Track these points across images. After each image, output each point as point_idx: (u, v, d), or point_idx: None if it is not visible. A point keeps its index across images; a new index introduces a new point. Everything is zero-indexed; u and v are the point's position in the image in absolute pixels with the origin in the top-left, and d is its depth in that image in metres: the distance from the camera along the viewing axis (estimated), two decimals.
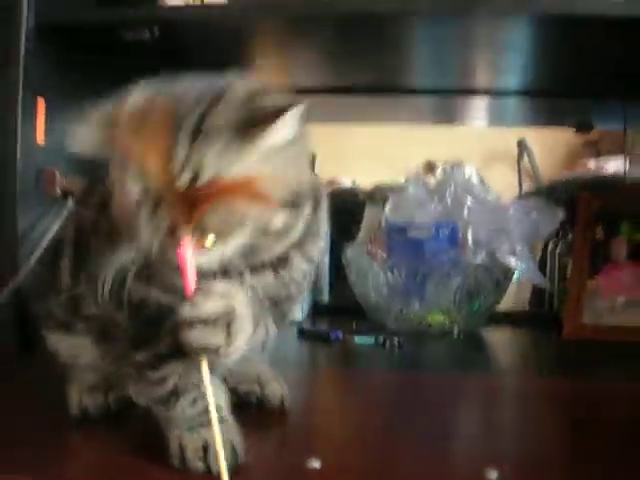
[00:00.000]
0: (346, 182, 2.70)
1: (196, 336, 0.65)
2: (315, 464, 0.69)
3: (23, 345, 1.15)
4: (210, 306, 0.65)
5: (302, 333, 1.41)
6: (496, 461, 0.69)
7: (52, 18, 1.19)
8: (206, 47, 1.41)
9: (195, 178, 0.59)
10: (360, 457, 0.75)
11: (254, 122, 0.62)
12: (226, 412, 0.73)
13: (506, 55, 1.41)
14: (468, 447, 0.82)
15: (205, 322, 0.65)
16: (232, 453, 0.68)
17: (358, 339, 1.35)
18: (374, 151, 2.53)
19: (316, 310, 1.65)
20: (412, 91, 1.74)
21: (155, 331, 0.71)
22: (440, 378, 1.11)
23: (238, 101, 0.64)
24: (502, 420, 0.93)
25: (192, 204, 0.59)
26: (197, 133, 0.60)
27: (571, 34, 1.20)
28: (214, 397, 0.67)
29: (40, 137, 1.21)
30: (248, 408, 0.87)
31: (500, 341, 1.53)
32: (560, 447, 0.81)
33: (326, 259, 1.76)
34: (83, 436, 0.81)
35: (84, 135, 0.65)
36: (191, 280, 0.63)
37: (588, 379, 1.08)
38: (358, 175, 2.48)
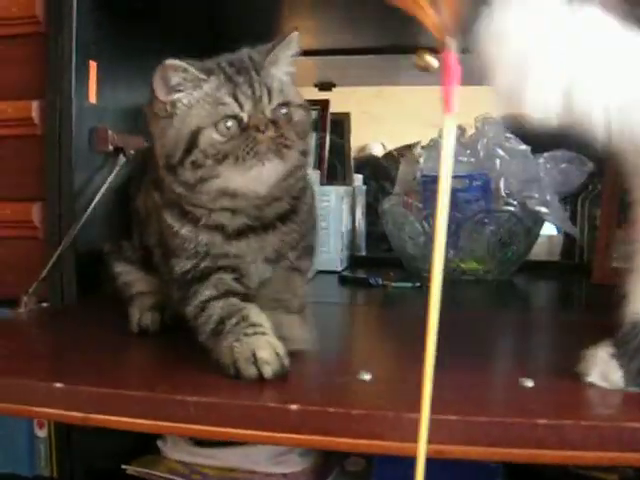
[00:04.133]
0: (376, 148, 2.73)
1: None
2: (366, 376, 0.76)
3: (83, 291, 1.23)
4: None
5: (343, 280, 1.49)
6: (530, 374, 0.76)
7: None
8: (244, 11, 1.47)
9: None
10: (404, 370, 0.82)
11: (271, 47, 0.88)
12: (267, 328, 0.82)
13: None
14: (503, 363, 0.89)
15: None
16: (278, 360, 0.77)
17: (396, 284, 1.42)
18: (406, 112, 2.57)
19: (354, 262, 1.72)
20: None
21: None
22: (474, 313, 1.18)
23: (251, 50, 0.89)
24: (532, 343, 1.00)
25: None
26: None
27: None
28: (257, 317, 0.81)
29: (92, 97, 1.27)
30: None
31: (532, 287, 1.59)
32: None
33: (362, 215, 1.83)
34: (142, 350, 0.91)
35: None
36: None
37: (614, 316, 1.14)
38: (389, 136, 2.53)
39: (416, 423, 0.62)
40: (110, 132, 1.28)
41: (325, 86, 2.04)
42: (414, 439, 0.62)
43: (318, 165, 1.78)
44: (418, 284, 1.40)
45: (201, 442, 1.22)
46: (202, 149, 0.83)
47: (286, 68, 0.90)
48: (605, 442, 0.64)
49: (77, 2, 1.22)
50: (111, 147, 1.28)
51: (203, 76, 0.85)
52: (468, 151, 1.54)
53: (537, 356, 0.95)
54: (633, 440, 0.63)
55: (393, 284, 1.42)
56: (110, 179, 1.26)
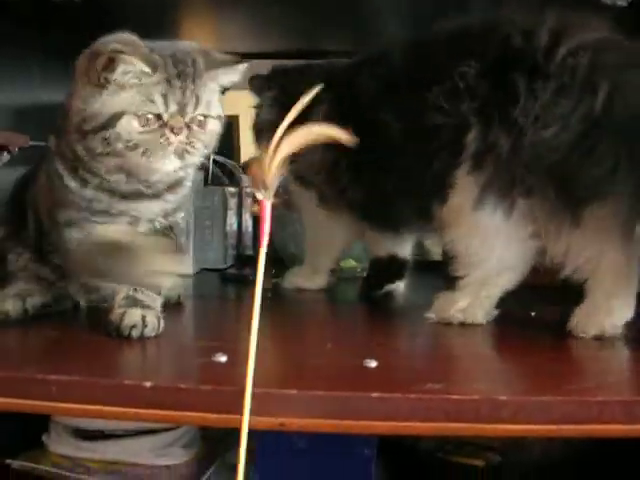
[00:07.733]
0: None
1: None
2: (222, 358, 0.81)
3: None
4: None
5: (223, 277, 1.54)
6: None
7: None
8: (134, 10, 1.49)
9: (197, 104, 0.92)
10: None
11: (218, 64, 0.96)
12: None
13: None
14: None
15: None
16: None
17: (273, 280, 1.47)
18: None
19: (241, 261, 1.76)
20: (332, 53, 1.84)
21: None
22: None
23: (201, 54, 0.95)
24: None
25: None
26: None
27: None
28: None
29: None
30: None
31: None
32: None
33: (249, 215, 1.87)
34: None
35: None
36: None
37: None
38: None
39: (256, 397, 0.68)
40: None
41: None
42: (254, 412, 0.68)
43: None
44: None
45: (84, 435, 1.24)
46: (117, 132, 0.89)
47: (219, 86, 0.98)
48: (432, 413, 0.70)
49: None
50: None
51: (148, 70, 0.89)
52: None
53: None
54: (457, 410, 0.70)
55: (272, 281, 1.47)
56: None
